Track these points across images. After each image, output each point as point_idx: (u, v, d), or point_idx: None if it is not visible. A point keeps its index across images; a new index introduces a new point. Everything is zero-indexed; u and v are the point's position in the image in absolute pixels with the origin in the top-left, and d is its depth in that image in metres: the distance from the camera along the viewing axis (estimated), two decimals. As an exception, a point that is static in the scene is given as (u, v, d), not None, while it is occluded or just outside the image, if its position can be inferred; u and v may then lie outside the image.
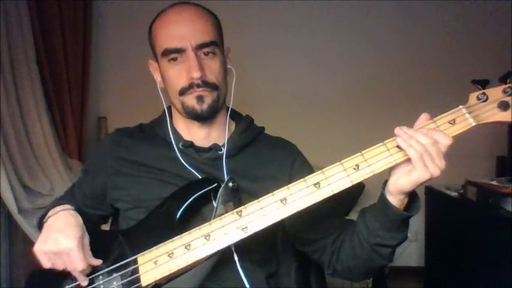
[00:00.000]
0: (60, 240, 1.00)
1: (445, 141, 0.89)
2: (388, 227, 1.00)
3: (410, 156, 0.89)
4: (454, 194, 2.61)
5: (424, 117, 0.93)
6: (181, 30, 1.09)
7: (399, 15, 3.52)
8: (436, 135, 0.90)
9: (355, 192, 3.13)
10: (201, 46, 1.09)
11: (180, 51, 1.09)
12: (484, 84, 0.93)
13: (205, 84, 1.09)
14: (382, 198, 0.98)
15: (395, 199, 0.96)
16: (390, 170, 0.96)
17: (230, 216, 0.96)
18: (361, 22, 3.53)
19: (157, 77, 1.19)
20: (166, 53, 1.10)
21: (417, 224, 2.89)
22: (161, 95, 1.18)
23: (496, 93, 0.92)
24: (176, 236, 0.98)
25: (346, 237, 1.10)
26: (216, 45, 1.11)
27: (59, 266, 1.02)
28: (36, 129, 2.72)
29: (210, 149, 1.15)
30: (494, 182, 2.35)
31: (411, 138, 0.89)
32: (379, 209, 1.00)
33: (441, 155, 0.89)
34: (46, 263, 1.02)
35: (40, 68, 2.78)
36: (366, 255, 1.05)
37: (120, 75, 3.48)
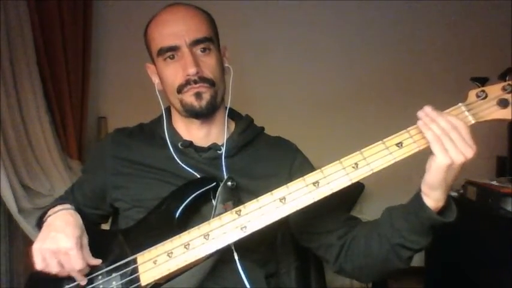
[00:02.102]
0: (59, 240, 1.00)
1: (459, 125, 0.87)
2: (416, 229, 0.96)
3: (428, 139, 0.87)
4: (454, 194, 2.61)
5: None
6: (175, 28, 1.10)
7: (398, 14, 3.52)
8: (452, 119, 0.88)
9: (355, 193, 3.13)
10: (195, 42, 1.09)
11: (175, 49, 1.09)
12: (483, 81, 0.92)
13: (202, 80, 1.09)
14: (417, 198, 0.95)
15: (429, 200, 0.93)
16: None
17: (229, 216, 0.96)
18: (361, 21, 3.53)
19: (155, 80, 1.19)
20: (162, 51, 1.10)
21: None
22: (159, 98, 1.19)
23: (495, 90, 0.91)
24: (175, 235, 0.98)
25: (360, 235, 1.08)
26: (211, 41, 1.12)
27: (53, 267, 1.01)
28: (36, 129, 2.72)
29: (209, 148, 1.15)
30: (494, 182, 2.35)
31: (432, 121, 0.88)
32: (411, 209, 0.96)
33: (464, 140, 0.87)
34: (40, 263, 1.01)
35: (40, 68, 2.78)
36: (383, 255, 1.02)
37: (120, 75, 3.48)
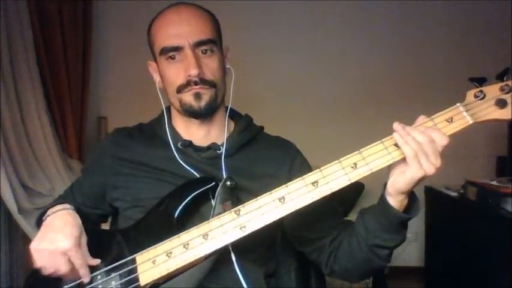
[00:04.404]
0: (57, 240, 1.00)
1: (441, 141, 0.90)
2: (387, 228, 1.00)
3: (405, 154, 0.89)
4: (454, 194, 2.61)
5: (421, 120, 0.94)
6: (179, 29, 1.09)
7: (397, 14, 3.52)
8: (433, 133, 0.90)
9: (354, 193, 3.13)
10: (198, 44, 1.09)
11: (178, 49, 1.09)
12: (481, 82, 0.93)
13: (203, 81, 1.09)
14: (382, 200, 0.98)
15: (394, 200, 0.96)
16: (389, 171, 0.96)
17: (228, 215, 0.96)
18: (360, 22, 3.53)
19: (156, 77, 1.19)
20: (165, 51, 1.10)
21: (417, 224, 2.89)
22: (160, 96, 1.19)
23: (493, 90, 0.92)
24: (174, 235, 0.98)
25: (345, 238, 1.10)
26: (214, 43, 1.12)
27: (51, 267, 1.00)
28: (36, 129, 2.72)
29: (208, 148, 1.15)
30: (494, 182, 2.35)
31: (408, 135, 0.90)
32: (379, 210, 1.00)
33: (437, 153, 0.89)
34: (39, 262, 1.01)
35: (40, 68, 2.78)
36: (363, 256, 1.05)
37: (120, 75, 3.48)
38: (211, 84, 1.11)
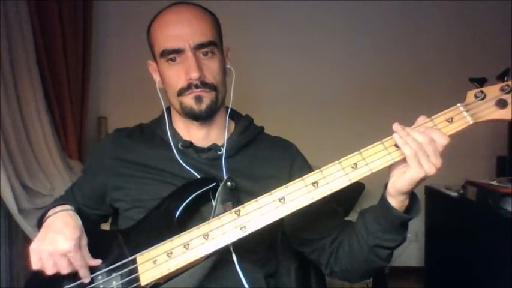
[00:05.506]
0: (57, 241, 1.00)
1: (442, 141, 0.90)
2: (387, 229, 1.00)
3: (405, 154, 0.89)
4: (454, 194, 2.62)
5: (421, 121, 0.94)
6: (179, 30, 1.09)
7: (398, 14, 3.52)
8: (433, 134, 0.90)
9: (355, 193, 3.13)
10: (199, 46, 1.09)
11: (178, 51, 1.09)
12: (481, 82, 0.93)
13: (204, 84, 1.09)
14: (383, 200, 0.98)
15: (395, 201, 0.96)
16: (389, 172, 0.96)
17: (228, 216, 0.96)
18: (360, 21, 3.53)
19: (157, 78, 1.19)
20: (165, 53, 1.10)
21: (417, 224, 2.89)
22: (160, 96, 1.19)
23: (493, 91, 0.92)
24: (175, 235, 0.98)
25: (345, 239, 1.10)
26: (214, 45, 1.11)
27: (48, 269, 1.00)
28: (36, 129, 2.72)
29: (209, 149, 1.15)
30: (494, 182, 2.35)
31: (408, 135, 0.90)
32: (380, 211, 1.00)
33: (437, 153, 0.89)
34: (36, 263, 1.01)
35: (40, 68, 2.78)
36: (364, 256, 1.05)
37: (120, 75, 3.49)
38: (212, 87, 1.10)
